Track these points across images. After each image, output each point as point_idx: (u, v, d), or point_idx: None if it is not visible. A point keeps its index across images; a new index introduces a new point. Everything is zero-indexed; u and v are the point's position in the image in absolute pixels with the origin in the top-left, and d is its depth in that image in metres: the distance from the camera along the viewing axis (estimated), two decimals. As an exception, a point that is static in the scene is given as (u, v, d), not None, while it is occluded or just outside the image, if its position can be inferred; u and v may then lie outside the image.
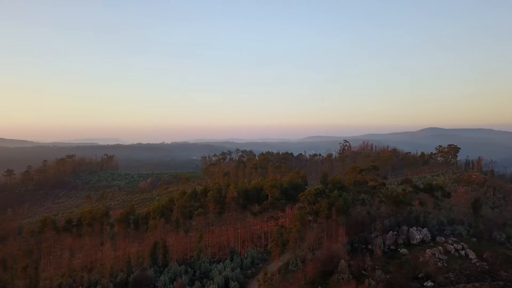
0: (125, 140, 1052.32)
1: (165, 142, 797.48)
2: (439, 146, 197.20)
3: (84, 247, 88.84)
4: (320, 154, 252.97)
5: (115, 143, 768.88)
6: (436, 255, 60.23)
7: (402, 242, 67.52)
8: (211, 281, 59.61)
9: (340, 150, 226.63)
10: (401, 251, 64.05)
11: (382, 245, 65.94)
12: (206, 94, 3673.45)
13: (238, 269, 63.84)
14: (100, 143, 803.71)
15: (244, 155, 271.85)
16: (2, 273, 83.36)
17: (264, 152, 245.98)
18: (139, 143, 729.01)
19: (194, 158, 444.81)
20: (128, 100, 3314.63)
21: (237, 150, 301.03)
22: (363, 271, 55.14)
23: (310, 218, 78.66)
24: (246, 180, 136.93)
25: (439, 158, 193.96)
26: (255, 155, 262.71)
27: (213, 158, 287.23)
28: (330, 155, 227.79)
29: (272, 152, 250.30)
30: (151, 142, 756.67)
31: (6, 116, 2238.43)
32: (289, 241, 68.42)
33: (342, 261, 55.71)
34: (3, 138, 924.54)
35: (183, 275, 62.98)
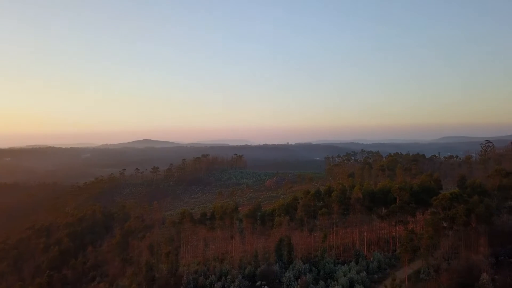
0: (253, 141, 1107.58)
1: (289, 143, 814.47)
2: None
3: (216, 239, 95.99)
4: (456, 156, 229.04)
5: (244, 144, 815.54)
6: None
7: None
8: (335, 282, 58.87)
9: (481, 151, 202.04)
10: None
11: (536, 260, 56.90)
12: (330, 94, 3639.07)
13: (364, 272, 61.76)
14: (231, 143, 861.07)
15: (370, 156, 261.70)
16: (149, 257, 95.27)
17: (392, 154, 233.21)
18: (265, 144, 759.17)
19: (318, 159, 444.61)
20: (256, 104, 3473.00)
21: (362, 151, 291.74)
22: (510, 288, 48.34)
23: (445, 224, 71.90)
24: (372, 182, 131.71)
25: None
26: (382, 157, 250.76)
27: (337, 159, 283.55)
28: (469, 157, 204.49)
29: (401, 154, 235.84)
30: (276, 143, 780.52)
31: (154, 121, 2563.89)
32: (420, 248, 63.62)
33: (484, 274, 49.57)
34: (151, 140, 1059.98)
35: (307, 273, 63.50)
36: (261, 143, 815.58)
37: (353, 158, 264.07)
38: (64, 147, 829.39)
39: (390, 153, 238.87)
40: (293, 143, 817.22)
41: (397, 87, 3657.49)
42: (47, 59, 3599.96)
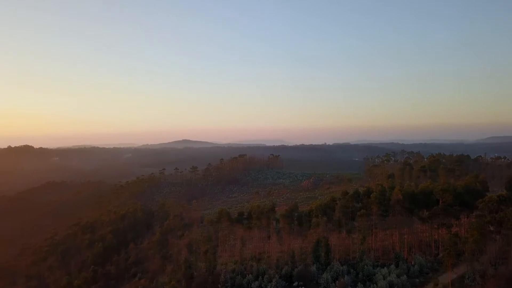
0: (289, 141, 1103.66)
1: (327, 143, 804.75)
2: None
3: (253, 238, 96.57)
4: (504, 157, 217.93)
5: (280, 144, 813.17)
6: None
7: None
8: (374, 285, 57.69)
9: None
10: None
11: None
12: (369, 93, 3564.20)
13: (404, 276, 60.05)
14: (267, 144, 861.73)
15: (411, 157, 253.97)
16: (188, 255, 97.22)
17: (434, 154, 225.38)
18: (302, 144, 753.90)
19: (356, 159, 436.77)
20: (293, 104, 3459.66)
21: (403, 151, 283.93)
22: None
23: (492, 228, 68.64)
24: (412, 183, 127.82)
25: None
26: (423, 157, 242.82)
27: (376, 160, 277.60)
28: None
29: (444, 154, 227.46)
30: (314, 143, 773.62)
31: (193, 122, 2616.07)
32: (464, 252, 61.16)
33: (535, 281, 47.04)
34: (190, 140, 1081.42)
35: (346, 275, 62.60)
36: (298, 143, 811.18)
37: (392, 158, 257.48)
38: (107, 147, 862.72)
39: (432, 154, 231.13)
40: (330, 144, 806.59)
41: (440, 85, 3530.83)
42: (93, 65, 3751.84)
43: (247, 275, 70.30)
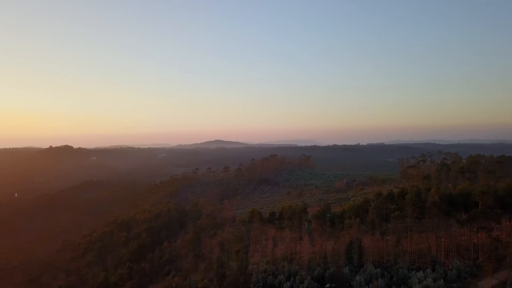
0: (321, 141, 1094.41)
1: (360, 144, 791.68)
2: None
3: (285, 239, 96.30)
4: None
5: (312, 144, 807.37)
6: None
7: None
8: (409, 288, 56.37)
9: None
10: None
11: None
12: (404, 92, 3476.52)
13: (441, 280, 58.23)
14: (299, 144, 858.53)
15: (448, 158, 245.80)
16: (220, 254, 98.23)
17: (473, 155, 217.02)
18: (335, 145, 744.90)
19: (390, 160, 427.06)
20: (325, 104, 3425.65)
21: (439, 152, 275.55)
22: None
23: (536, 233, 65.55)
24: (450, 185, 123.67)
25: None
26: (461, 158, 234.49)
27: (411, 160, 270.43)
28: None
29: (484, 155, 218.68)
30: (346, 144, 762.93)
31: (225, 123, 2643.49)
32: (506, 257, 58.67)
33: None
34: (222, 140, 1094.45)
35: (379, 278, 61.42)
36: (330, 143, 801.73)
37: (429, 159, 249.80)
38: (142, 147, 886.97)
39: (470, 154, 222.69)
40: (364, 144, 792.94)
41: (481, 83, 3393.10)
42: (130, 68, 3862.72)
43: (278, 276, 70.30)
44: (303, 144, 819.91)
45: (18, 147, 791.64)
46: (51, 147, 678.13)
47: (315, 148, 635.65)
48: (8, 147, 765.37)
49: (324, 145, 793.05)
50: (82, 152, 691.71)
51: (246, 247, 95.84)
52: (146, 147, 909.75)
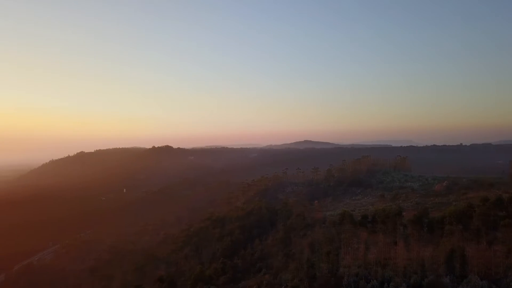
0: (419, 141, 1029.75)
1: (463, 144, 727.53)
2: None
3: (378, 243, 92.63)
4: None
5: (408, 145, 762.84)
6: None
7: None
8: (522, 306, 50.53)
9: None
10: None
11: None
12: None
13: (563, 300, 51.28)
14: (394, 144, 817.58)
15: None
16: (310, 254, 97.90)
17: None
18: (434, 145, 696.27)
19: (500, 162, 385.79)
20: (422, 102, 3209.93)
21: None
22: None
23: None
24: None
25: None
26: None
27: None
28: None
29: None
30: (447, 144, 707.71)
31: (314, 123, 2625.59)
32: None
33: None
34: (311, 141, 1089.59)
35: (485, 292, 56.12)
36: (429, 143, 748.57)
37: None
38: (235, 147, 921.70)
39: None
40: (467, 144, 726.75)
41: None
42: (223, 71, 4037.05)
43: (371, 280, 67.89)
44: (399, 145, 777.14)
45: (126, 147, 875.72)
46: (154, 147, 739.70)
47: (412, 149, 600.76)
48: (118, 147, 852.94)
49: (422, 145, 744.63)
50: (181, 152, 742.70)
51: (336, 249, 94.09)
52: (239, 147, 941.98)
